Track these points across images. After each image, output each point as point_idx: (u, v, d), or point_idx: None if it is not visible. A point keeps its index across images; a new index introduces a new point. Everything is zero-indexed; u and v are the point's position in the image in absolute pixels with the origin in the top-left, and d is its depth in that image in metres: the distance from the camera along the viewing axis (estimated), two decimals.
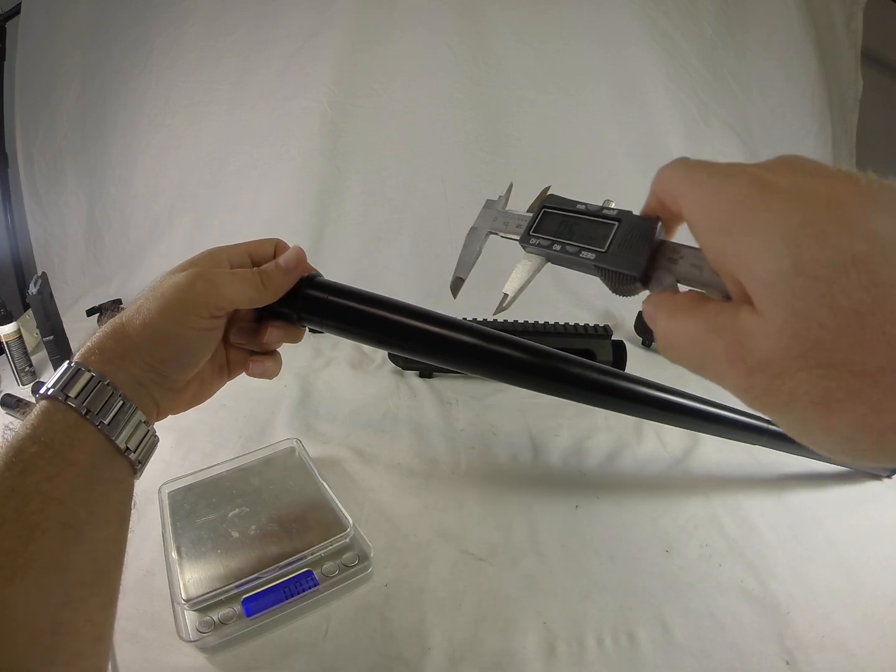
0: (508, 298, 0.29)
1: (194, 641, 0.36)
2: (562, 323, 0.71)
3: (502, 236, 0.31)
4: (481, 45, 0.94)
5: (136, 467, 0.29)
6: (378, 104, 0.95)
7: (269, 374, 0.39)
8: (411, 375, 0.73)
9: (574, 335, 0.69)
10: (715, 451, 0.57)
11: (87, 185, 0.97)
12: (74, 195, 0.97)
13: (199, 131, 0.96)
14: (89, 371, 0.27)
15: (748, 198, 0.16)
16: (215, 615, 0.37)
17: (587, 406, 0.66)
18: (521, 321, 0.71)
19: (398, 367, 0.74)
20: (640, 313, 0.83)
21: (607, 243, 0.24)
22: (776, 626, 0.38)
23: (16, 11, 0.89)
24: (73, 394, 0.26)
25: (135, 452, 0.28)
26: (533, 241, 0.28)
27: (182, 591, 0.38)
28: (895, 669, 0.36)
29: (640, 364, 0.77)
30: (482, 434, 0.61)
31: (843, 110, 1.03)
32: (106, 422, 0.27)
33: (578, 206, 0.27)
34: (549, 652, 0.37)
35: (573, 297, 0.95)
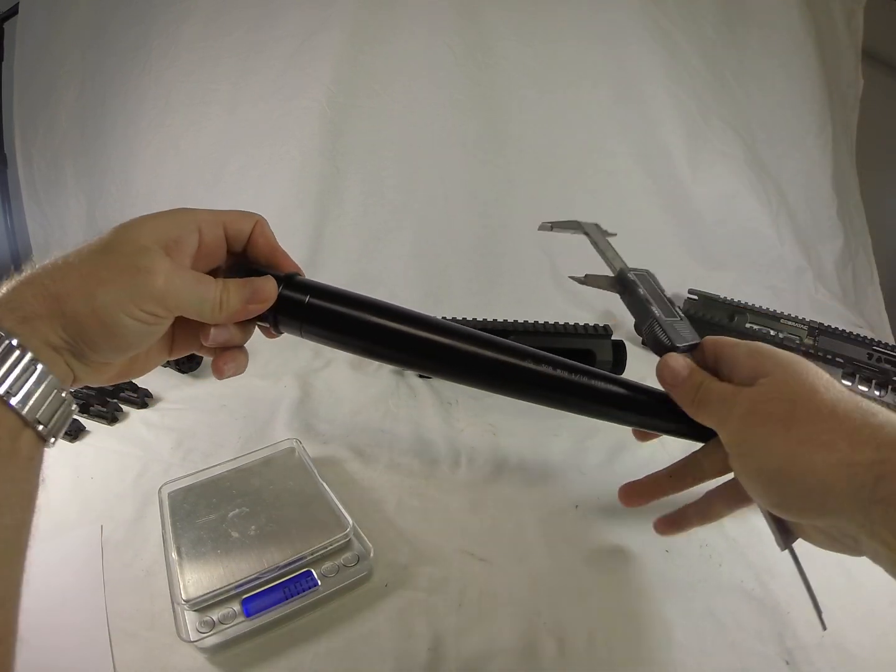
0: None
1: (194, 641, 0.36)
2: (562, 323, 0.71)
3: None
4: (481, 45, 0.94)
5: (48, 441, 0.25)
6: (378, 104, 0.95)
7: (242, 370, 0.34)
8: (411, 375, 0.73)
9: (574, 335, 0.69)
10: None
11: (87, 186, 0.97)
12: (74, 196, 0.97)
13: (199, 132, 0.96)
14: None
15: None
16: (215, 615, 0.37)
17: None
18: (521, 321, 0.71)
19: (398, 368, 0.74)
20: None
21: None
22: (776, 626, 0.39)
23: (14, 12, 0.89)
24: None
25: (46, 425, 0.25)
26: None
27: (182, 592, 0.38)
28: (895, 669, 0.36)
29: (641, 364, 0.76)
30: (482, 434, 0.61)
31: (843, 109, 1.03)
32: (12, 391, 0.23)
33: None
34: (550, 652, 0.37)
35: (573, 297, 0.95)
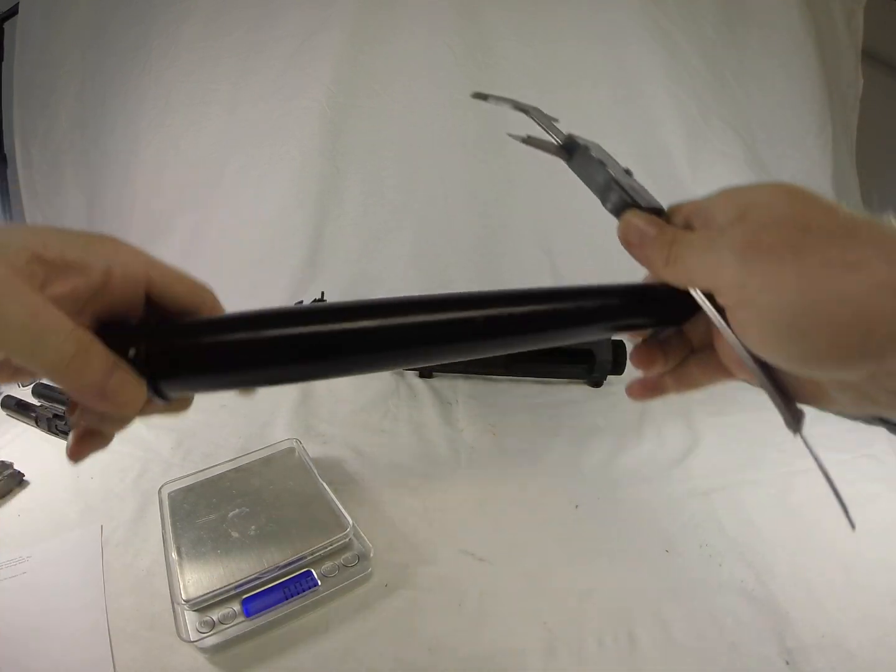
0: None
1: (194, 641, 0.36)
2: None
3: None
4: (481, 45, 0.94)
5: None
6: (378, 104, 0.95)
7: (103, 448, 0.24)
8: (411, 375, 0.73)
9: None
10: (715, 450, 0.57)
11: (87, 186, 0.97)
12: (74, 195, 0.97)
13: (199, 131, 0.96)
14: None
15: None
16: (215, 615, 0.37)
17: (588, 406, 0.66)
18: None
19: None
20: None
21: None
22: (776, 626, 0.38)
23: (14, 12, 0.89)
24: None
25: None
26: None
27: (182, 592, 0.38)
28: (895, 669, 0.36)
29: None
30: (482, 434, 0.61)
31: (843, 110, 1.03)
32: None
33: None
34: (550, 652, 0.37)
35: None
